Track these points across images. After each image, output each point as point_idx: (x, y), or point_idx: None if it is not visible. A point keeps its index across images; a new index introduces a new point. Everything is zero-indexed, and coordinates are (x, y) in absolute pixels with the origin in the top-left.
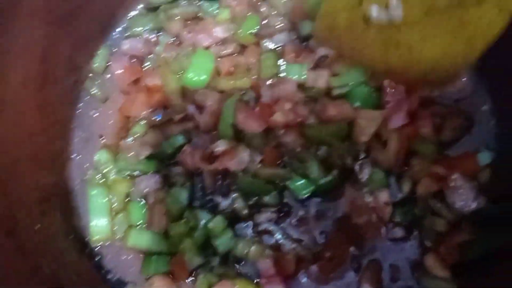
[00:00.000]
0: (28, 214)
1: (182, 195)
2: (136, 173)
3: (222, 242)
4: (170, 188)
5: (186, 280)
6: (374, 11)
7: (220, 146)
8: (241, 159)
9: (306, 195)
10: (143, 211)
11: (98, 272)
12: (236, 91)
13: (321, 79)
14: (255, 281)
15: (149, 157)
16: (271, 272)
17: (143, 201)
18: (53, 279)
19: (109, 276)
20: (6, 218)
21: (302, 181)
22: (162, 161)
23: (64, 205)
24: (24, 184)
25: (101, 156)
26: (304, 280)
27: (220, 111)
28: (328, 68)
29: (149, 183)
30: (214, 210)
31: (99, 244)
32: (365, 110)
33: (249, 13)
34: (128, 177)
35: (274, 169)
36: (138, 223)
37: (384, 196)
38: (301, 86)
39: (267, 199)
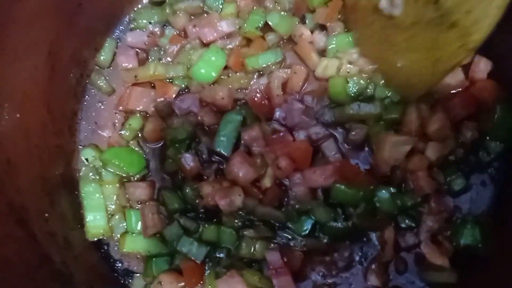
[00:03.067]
0: (37, 203)
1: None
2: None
3: (225, 240)
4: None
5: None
6: (383, 2)
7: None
8: (232, 203)
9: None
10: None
11: (106, 261)
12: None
13: (330, 69)
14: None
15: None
16: (279, 264)
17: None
18: (63, 267)
19: (117, 266)
20: (16, 206)
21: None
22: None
23: (71, 196)
24: (32, 174)
25: (87, 153)
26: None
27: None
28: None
29: (143, 190)
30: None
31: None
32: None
33: (254, 7)
34: (120, 178)
35: (272, 209)
36: (134, 230)
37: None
38: None
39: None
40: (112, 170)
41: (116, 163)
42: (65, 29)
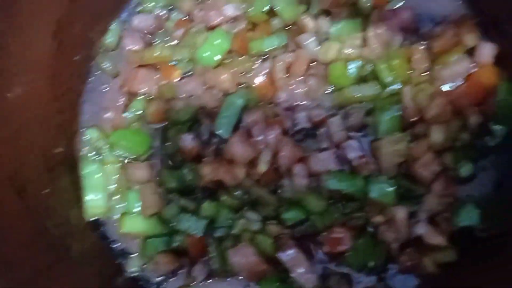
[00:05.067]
0: (38, 178)
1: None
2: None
3: (223, 218)
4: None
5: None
6: None
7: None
8: (235, 175)
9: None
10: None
11: (103, 240)
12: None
13: (331, 51)
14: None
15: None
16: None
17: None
18: (60, 242)
19: (114, 246)
20: (17, 178)
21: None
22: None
23: (72, 175)
24: (34, 149)
25: (92, 133)
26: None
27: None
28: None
29: (143, 171)
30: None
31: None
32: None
33: None
34: (121, 159)
35: (266, 192)
36: (133, 211)
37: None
38: None
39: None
40: (120, 152)
41: (124, 144)
42: (72, 9)
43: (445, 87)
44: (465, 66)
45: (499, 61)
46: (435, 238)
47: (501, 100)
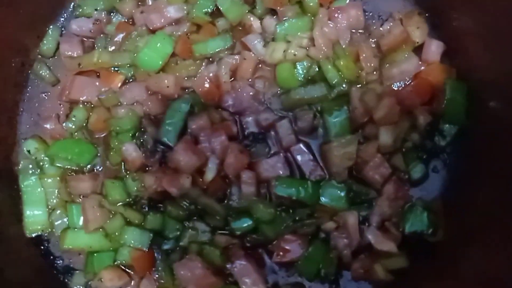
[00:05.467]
0: None
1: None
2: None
3: (170, 229)
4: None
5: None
6: None
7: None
8: (181, 185)
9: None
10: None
11: (45, 258)
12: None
13: (277, 52)
14: None
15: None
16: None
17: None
18: None
19: (57, 263)
20: None
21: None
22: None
23: (10, 190)
24: None
25: (30, 145)
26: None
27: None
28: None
29: (86, 183)
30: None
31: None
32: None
33: None
34: (63, 172)
35: (214, 202)
36: (77, 225)
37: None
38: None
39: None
40: (60, 165)
41: (64, 156)
42: (4, 14)
43: (394, 87)
44: (413, 64)
45: (447, 58)
46: (385, 244)
47: (449, 98)
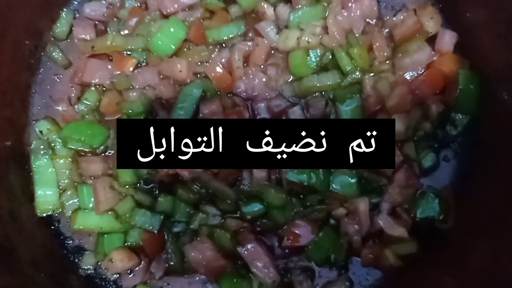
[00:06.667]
0: None
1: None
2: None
3: (180, 212)
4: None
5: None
6: None
7: None
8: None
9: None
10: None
11: (56, 238)
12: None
13: (291, 39)
14: None
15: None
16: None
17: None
18: (3, 241)
19: (67, 243)
20: None
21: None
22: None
23: (21, 170)
24: None
25: (42, 126)
26: None
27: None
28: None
29: (97, 165)
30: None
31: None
32: None
33: None
34: (74, 153)
35: (224, 186)
36: (87, 206)
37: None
38: None
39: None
40: (73, 146)
41: (77, 137)
42: None
43: (407, 76)
44: (426, 54)
45: (460, 49)
46: (396, 230)
47: (461, 88)
